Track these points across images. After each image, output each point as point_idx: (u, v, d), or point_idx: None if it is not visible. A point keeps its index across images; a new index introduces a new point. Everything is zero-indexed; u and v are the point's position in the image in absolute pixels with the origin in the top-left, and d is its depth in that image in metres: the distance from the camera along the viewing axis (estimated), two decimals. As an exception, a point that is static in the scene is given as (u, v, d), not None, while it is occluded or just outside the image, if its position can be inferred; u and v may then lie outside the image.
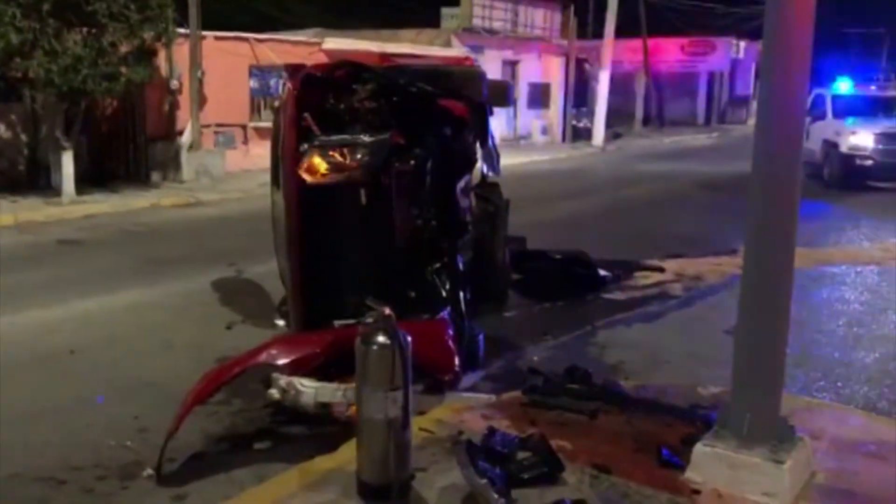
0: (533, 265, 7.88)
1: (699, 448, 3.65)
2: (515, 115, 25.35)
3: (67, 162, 12.73)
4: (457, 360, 4.70)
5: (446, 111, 5.57)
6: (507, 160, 17.38)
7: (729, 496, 3.52)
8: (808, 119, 17.37)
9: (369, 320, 3.47)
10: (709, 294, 7.88)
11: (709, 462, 3.59)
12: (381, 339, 3.34)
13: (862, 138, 15.78)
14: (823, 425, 4.29)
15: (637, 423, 4.25)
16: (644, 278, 8.38)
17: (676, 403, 4.47)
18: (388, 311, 3.39)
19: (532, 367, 5.54)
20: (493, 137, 6.15)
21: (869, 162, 15.61)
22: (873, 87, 18.82)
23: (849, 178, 15.82)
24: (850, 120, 16.40)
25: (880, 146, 15.60)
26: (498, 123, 22.65)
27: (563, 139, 27.17)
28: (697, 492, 3.56)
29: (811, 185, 16.12)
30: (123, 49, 12.48)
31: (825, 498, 3.60)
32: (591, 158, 23.38)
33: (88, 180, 13.58)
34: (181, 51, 15.23)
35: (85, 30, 12.09)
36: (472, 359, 5.36)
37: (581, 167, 20.69)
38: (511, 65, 25.81)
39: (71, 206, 12.40)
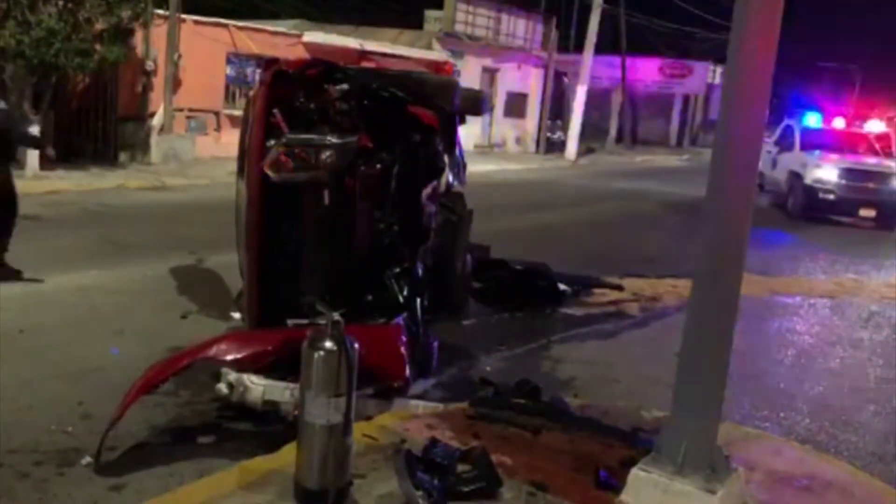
0: (494, 274, 7.92)
1: (635, 472, 3.69)
2: (491, 123, 25.48)
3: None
4: (407, 368, 4.71)
5: (416, 118, 5.59)
6: (480, 167, 17.59)
7: (661, 521, 3.57)
8: (776, 149, 17.76)
9: (322, 322, 3.47)
10: (664, 316, 7.98)
11: (644, 487, 3.64)
12: (327, 344, 3.34)
13: (826, 172, 16.08)
14: (759, 457, 4.37)
15: (578, 443, 4.30)
16: (602, 295, 8.46)
17: (619, 425, 4.52)
18: (337, 316, 3.40)
19: (484, 378, 5.57)
20: (461, 148, 6.19)
21: (831, 196, 15.91)
22: (842, 123, 19.21)
23: (811, 209, 16.12)
24: (817, 153, 16.71)
25: (843, 181, 15.91)
26: (473, 130, 22.83)
27: (537, 150, 27.36)
28: (630, 515, 3.62)
29: (774, 214, 16.46)
30: (99, 26, 12.34)
31: (754, 528, 3.67)
32: (563, 171, 23.55)
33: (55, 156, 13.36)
34: (159, 32, 15.09)
35: (61, 3, 11.93)
36: (424, 366, 5.37)
37: (552, 179, 20.83)
38: (490, 72, 25.92)
39: (33, 180, 12.20)
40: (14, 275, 7.12)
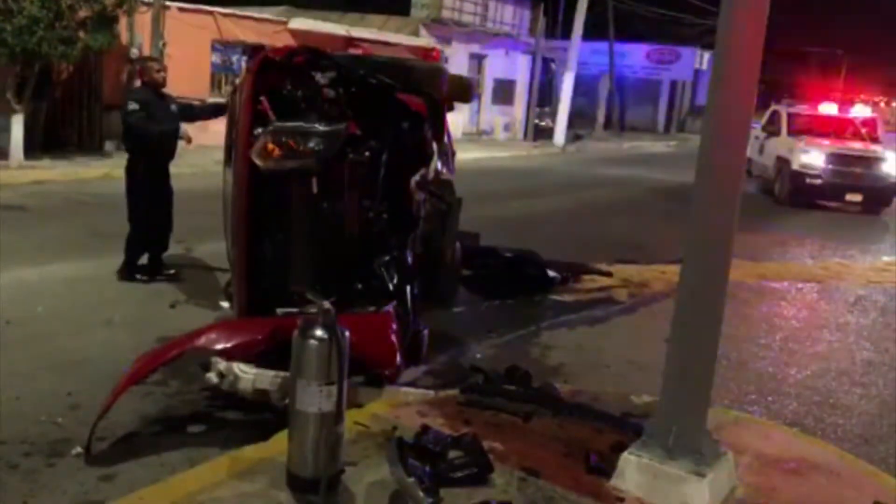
0: (483, 262, 7.92)
1: (626, 456, 3.72)
2: (479, 110, 25.45)
3: (17, 125, 12.43)
4: (398, 355, 4.71)
5: (404, 105, 5.56)
6: (468, 154, 17.56)
7: (651, 505, 3.60)
8: (763, 135, 17.79)
9: (312, 311, 3.46)
10: (653, 301, 8.01)
11: (634, 471, 3.67)
12: (318, 332, 3.32)
13: (813, 157, 16.14)
14: (748, 440, 4.40)
15: (569, 428, 4.31)
16: (592, 282, 8.48)
17: (609, 410, 4.54)
18: (328, 304, 3.39)
19: (474, 365, 5.58)
20: (449, 135, 6.17)
21: (818, 181, 15.99)
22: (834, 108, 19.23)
23: (798, 195, 16.19)
24: (803, 138, 16.76)
25: (830, 166, 15.98)
26: (461, 117, 22.78)
27: (525, 137, 27.34)
28: (621, 500, 3.63)
29: (762, 199, 16.53)
30: (82, 14, 12.21)
31: (744, 511, 3.70)
32: (551, 158, 23.55)
33: (40, 146, 13.26)
34: (143, 19, 14.95)
35: (43, -10, 11.80)
36: (415, 354, 5.37)
37: (540, 166, 20.83)
38: (478, 59, 25.86)
39: (18, 170, 12.11)
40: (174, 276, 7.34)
